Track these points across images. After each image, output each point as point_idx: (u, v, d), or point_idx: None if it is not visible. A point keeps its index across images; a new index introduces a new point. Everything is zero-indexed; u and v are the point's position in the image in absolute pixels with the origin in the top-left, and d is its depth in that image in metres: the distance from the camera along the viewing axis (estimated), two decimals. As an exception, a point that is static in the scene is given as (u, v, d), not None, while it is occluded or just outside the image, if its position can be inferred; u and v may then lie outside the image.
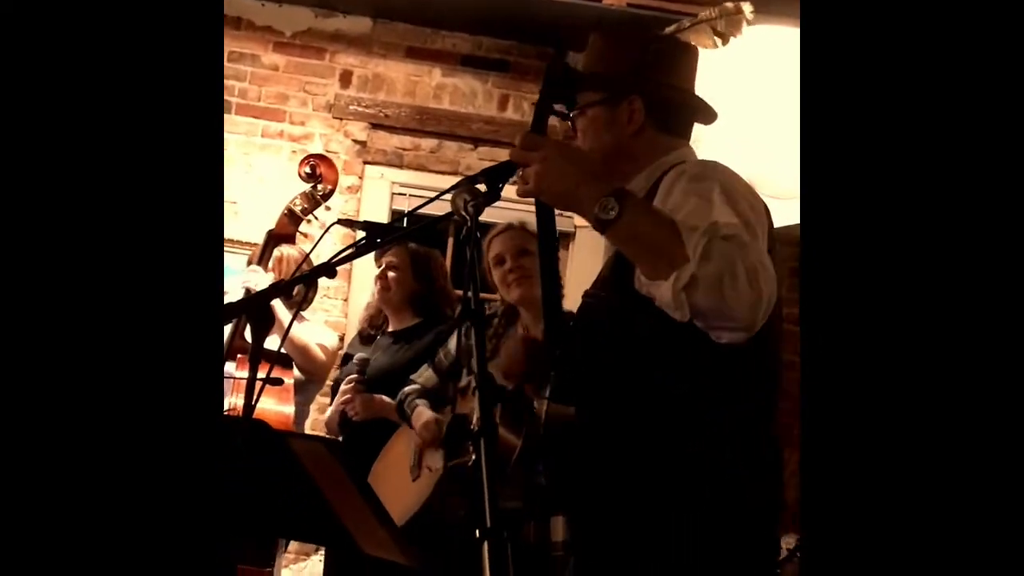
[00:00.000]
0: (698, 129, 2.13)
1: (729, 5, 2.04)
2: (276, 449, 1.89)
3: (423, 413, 3.31)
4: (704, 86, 2.13)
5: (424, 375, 3.45)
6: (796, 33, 4.55)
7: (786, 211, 4.36)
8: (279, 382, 3.36)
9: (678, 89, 2.02)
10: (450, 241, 4.84)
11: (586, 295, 1.98)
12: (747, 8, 2.03)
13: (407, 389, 3.43)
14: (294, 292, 3.26)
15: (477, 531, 1.25)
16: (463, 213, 1.68)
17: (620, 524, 1.80)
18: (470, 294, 1.47)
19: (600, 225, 1.67)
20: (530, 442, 1.46)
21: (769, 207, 4.47)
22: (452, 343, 3.41)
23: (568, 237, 5.04)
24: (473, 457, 1.37)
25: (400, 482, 3.34)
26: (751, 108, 4.36)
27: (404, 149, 5.13)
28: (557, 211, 1.87)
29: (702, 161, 1.91)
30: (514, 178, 1.82)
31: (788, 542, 3.33)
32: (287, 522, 2.08)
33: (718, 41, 2.04)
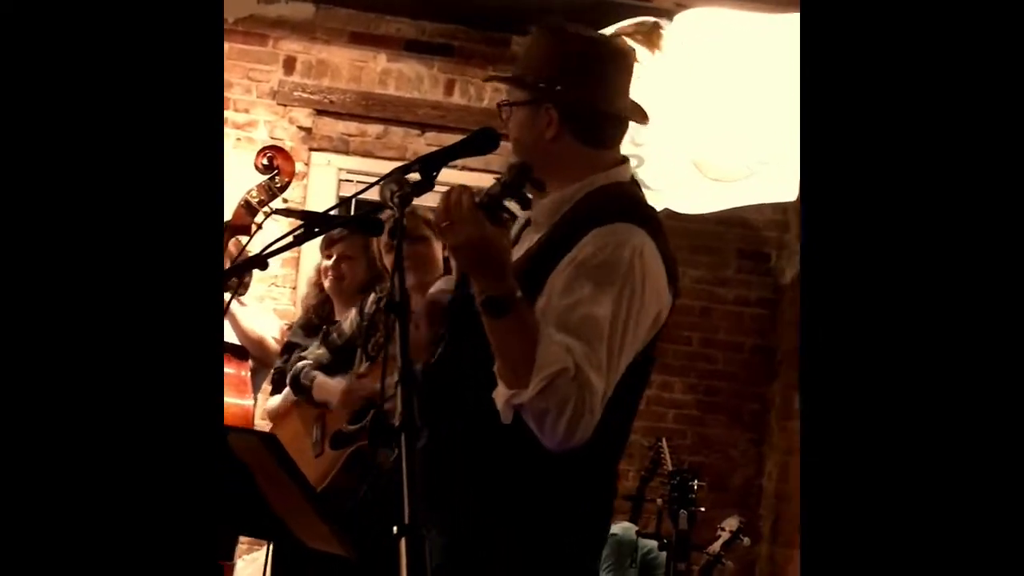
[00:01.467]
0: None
1: (648, 20, 2.05)
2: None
3: (328, 382, 3.36)
4: (646, 74, 2.12)
5: (315, 352, 3.49)
6: (737, 16, 4.57)
7: (730, 194, 4.39)
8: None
9: (596, 103, 2.00)
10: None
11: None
12: (664, 23, 2.05)
13: (301, 364, 3.46)
14: (228, 283, 3.25)
15: (395, 528, 1.24)
16: (390, 204, 1.69)
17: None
18: (396, 286, 1.45)
19: (482, 311, 1.79)
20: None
21: (714, 193, 4.47)
22: (345, 324, 3.46)
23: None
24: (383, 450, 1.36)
25: (299, 459, 3.37)
26: (694, 93, 4.37)
27: (350, 135, 5.09)
28: None
29: (620, 236, 1.89)
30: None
31: (731, 524, 3.34)
32: (227, 516, 2.06)
33: (636, 53, 2.05)
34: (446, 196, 1.80)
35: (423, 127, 5.12)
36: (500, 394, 1.80)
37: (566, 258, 1.87)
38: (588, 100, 1.99)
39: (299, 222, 1.94)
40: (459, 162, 1.97)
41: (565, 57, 1.99)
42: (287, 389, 3.61)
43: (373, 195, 2.01)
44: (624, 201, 1.99)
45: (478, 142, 1.91)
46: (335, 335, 3.48)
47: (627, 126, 2.07)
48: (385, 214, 2.03)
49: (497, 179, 1.91)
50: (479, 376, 1.92)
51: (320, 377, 3.41)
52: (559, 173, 1.98)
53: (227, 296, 3.52)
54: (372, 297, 3.45)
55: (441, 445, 1.94)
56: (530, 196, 1.92)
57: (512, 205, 1.91)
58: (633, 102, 2.08)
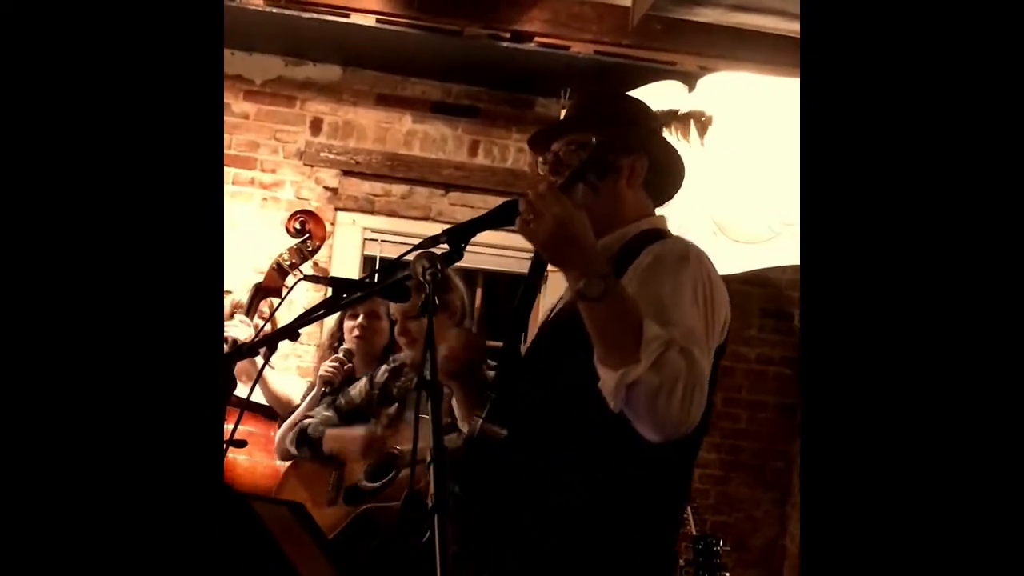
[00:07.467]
0: None
1: (697, 111, 2.14)
2: (239, 512, 1.88)
3: (344, 430, 3.40)
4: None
5: (323, 415, 3.51)
6: (760, 80, 4.59)
7: (753, 256, 4.40)
8: (242, 444, 3.42)
9: (677, 158, 2.11)
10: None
11: (542, 326, 2.08)
12: (708, 115, 2.13)
13: (307, 421, 3.51)
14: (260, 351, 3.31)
15: None
16: (422, 280, 1.72)
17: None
18: (427, 365, 1.47)
19: (579, 298, 1.75)
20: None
21: (736, 254, 4.48)
22: (353, 391, 3.50)
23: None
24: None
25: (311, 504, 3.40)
26: (717, 155, 4.39)
27: (375, 195, 5.14)
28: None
29: (679, 243, 1.97)
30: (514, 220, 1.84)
31: None
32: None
33: (685, 142, 2.13)
34: (532, 191, 1.80)
35: (447, 187, 5.17)
36: (609, 379, 1.73)
37: (628, 272, 1.90)
38: (671, 151, 2.10)
39: (326, 291, 1.98)
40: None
41: (646, 112, 2.11)
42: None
43: (396, 253, 2.04)
44: (668, 233, 2.06)
45: (504, 214, 1.94)
46: (343, 400, 3.51)
47: (679, 185, 2.16)
48: (412, 281, 2.04)
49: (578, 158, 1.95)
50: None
51: (331, 430, 3.44)
52: (610, 222, 2.02)
53: (260, 362, 3.57)
54: (383, 368, 3.46)
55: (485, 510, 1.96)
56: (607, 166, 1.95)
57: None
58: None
